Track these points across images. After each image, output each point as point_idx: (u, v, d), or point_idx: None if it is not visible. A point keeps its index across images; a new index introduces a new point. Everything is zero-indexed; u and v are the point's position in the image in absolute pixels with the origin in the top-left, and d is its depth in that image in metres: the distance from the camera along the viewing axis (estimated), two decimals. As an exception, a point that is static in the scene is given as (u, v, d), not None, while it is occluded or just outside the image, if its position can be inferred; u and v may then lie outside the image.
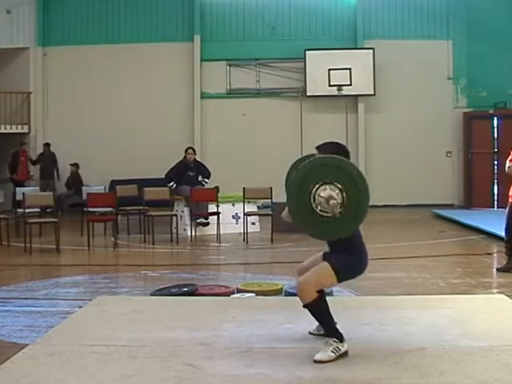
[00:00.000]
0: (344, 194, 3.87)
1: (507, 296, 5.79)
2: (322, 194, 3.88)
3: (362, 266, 4.19)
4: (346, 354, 4.02)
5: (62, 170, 16.56)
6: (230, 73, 17.45)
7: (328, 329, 4.09)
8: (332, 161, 3.97)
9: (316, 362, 3.92)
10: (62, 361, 3.96)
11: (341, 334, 4.06)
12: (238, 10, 17.44)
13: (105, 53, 17.28)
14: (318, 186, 3.89)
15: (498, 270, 7.52)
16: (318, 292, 4.04)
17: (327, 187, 3.88)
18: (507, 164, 7.49)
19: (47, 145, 16.63)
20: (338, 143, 4.33)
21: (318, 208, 3.89)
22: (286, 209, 4.16)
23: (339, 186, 3.88)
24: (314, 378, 3.65)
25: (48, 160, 16.46)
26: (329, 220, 3.89)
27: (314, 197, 3.89)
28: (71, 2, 17.52)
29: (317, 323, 4.38)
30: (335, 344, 4.01)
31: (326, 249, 4.31)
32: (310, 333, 4.48)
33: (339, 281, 4.12)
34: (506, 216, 7.49)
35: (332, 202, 3.84)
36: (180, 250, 10.14)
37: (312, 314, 4.12)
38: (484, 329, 4.58)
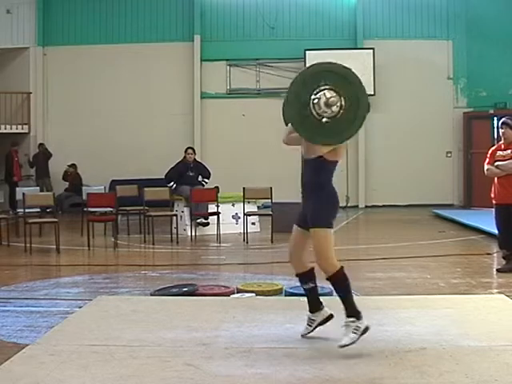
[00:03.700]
0: (343, 100, 3.98)
1: (507, 296, 5.79)
2: (322, 96, 3.96)
3: (337, 203, 4.29)
4: (366, 329, 4.09)
5: (60, 170, 16.55)
6: (230, 73, 17.46)
7: (349, 306, 4.14)
8: (338, 68, 4.06)
9: (341, 347, 4.00)
10: (62, 361, 3.96)
11: (358, 312, 4.11)
12: (238, 10, 17.45)
13: (105, 53, 17.29)
14: (320, 88, 3.98)
15: (498, 270, 7.52)
16: (339, 265, 4.15)
17: (328, 92, 3.98)
18: (486, 167, 7.56)
19: (41, 145, 16.67)
20: None
21: (317, 109, 3.98)
22: (289, 125, 4.27)
23: (340, 91, 3.98)
24: (314, 378, 3.64)
25: (43, 160, 16.51)
26: (326, 124, 3.98)
27: (314, 98, 3.98)
28: (71, 1, 17.53)
29: (305, 325, 4.44)
30: (354, 324, 4.08)
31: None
32: (303, 336, 4.47)
33: (332, 226, 4.22)
34: (494, 219, 7.63)
35: (332, 99, 3.95)
36: (180, 250, 10.14)
37: (335, 288, 4.19)
38: (484, 329, 4.58)
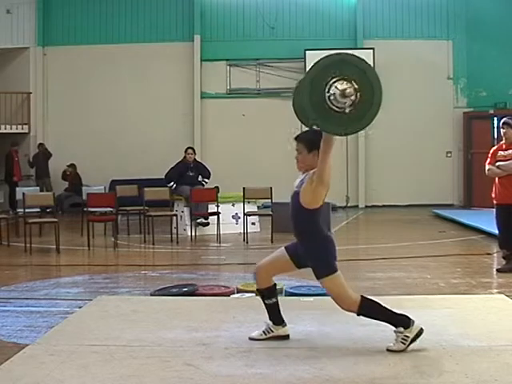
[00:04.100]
0: (358, 93, 3.88)
1: (507, 296, 5.79)
2: (338, 87, 3.86)
3: (332, 246, 4.21)
4: (419, 334, 4.07)
5: (60, 170, 16.55)
6: (230, 73, 17.46)
7: (390, 322, 4.13)
8: (354, 59, 3.96)
9: (388, 349, 4.06)
10: (62, 361, 3.96)
11: (406, 318, 4.11)
12: (238, 10, 17.45)
13: (105, 53, 17.29)
14: (335, 79, 3.88)
15: (498, 270, 7.52)
16: (359, 297, 4.13)
17: (344, 82, 3.87)
18: (487, 167, 7.56)
19: (41, 145, 16.68)
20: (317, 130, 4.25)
21: (331, 99, 3.87)
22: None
23: (355, 84, 3.88)
24: (314, 378, 3.64)
25: (42, 160, 16.52)
26: (337, 115, 3.87)
27: (329, 88, 3.87)
28: (71, 1, 17.53)
29: (261, 330, 4.41)
30: (402, 334, 4.08)
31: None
32: (251, 339, 4.41)
33: (337, 268, 4.15)
34: (495, 219, 7.64)
35: (347, 90, 3.84)
36: (180, 250, 10.14)
37: (370, 318, 4.18)
38: (484, 329, 4.58)
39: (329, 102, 3.88)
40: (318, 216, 4.20)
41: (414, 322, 4.12)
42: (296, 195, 4.20)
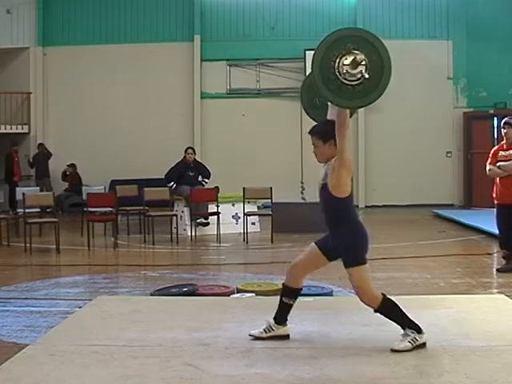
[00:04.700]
0: (368, 62, 3.90)
1: (507, 296, 5.79)
2: (347, 60, 3.87)
3: (365, 237, 4.21)
4: (424, 345, 4.10)
5: (60, 170, 16.55)
6: (230, 73, 17.46)
7: (407, 325, 4.14)
8: (360, 32, 4.03)
9: (393, 350, 4.03)
10: (62, 361, 3.96)
11: (419, 327, 4.12)
12: (238, 10, 17.45)
13: (105, 53, 17.30)
14: (343, 52, 3.89)
15: (498, 270, 7.52)
16: (380, 294, 4.15)
17: (353, 55, 3.88)
18: (487, 167, 7.56)
19: (41, 145, 16.69)
20: (328, 120, 4.31)
21: (343, 75, 3.87)
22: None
23: (364, 55, 3.90)
24: (314, 378, 3.64)
25: (42, 160, 16.53)
26: (353, 88, 3.88)
27: (339, 62, 3.88)
28: (71, 2, 17.55)
29: (261, 328, 4.41)
30: (413, 335, 4.08)
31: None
32: (251, 335, 4.42)
33: (366, 261, 4.17)
34: (495, 219, 7.65)
35: (358, 57, 3.86)
36: (180, 250, 10.14)
37: (387, 317, 4.19)
38: (484, 329, 4.58)
39: (341, 77, 3.87)
40: (350, 205, 4.22)
41: (424, 333, 4.14)
42: (324, 187, 4.19)
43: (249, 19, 17.41)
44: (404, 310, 4.18)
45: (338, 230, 4.19)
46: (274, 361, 3.94)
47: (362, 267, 4.12)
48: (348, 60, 3.86)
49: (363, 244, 4.18)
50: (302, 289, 4.43)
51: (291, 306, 4.40)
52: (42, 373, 3.74)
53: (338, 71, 3.87)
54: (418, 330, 4.11)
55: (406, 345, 4.06)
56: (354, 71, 3.86)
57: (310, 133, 4.30)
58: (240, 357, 4.01)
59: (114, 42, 17.40)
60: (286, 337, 4.38)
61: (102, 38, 17.44)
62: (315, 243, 4.36)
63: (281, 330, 4.39)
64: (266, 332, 4.39)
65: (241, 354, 4.06)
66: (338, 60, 3.88)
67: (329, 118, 4.28)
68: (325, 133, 4.18)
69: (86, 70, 17.32)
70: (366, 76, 3.86)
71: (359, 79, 3.86)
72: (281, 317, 4.41)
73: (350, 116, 4.14)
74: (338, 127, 4.01)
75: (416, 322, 4.16)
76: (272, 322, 4.41)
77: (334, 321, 4.80)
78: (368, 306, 4.19)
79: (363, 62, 3.86)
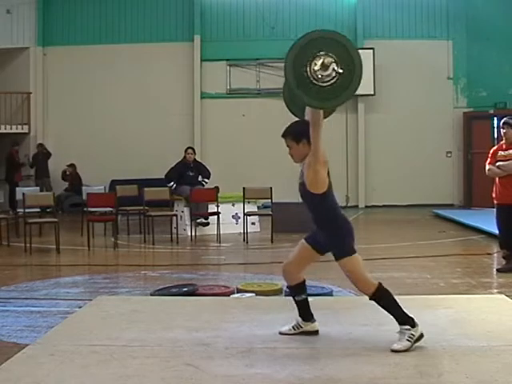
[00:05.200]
0: (337, 61, 3.87)
1: (507, 296, 5.79)
2: (318, 62, 3.87)
3: (350, 229, 4.30)
4: (421, 337, 4.11)
5: (60, 170, 16.56)
6: (230, 73, 17.46)
7: (398, 317, 4.16)
8: (326, 33, 3.98)
9: (393, 351, 4.04)
10: (62, 361, 3.96)
11: (412, 319, 4.14)
12: (238, 10, 17.45)
13: (105, 53, 17.29)
14: (314, 56, 3.88)
15: (498, 270, 7.52)
16: (376, 282, 4.19)
17: (322, 57, 3.88)
18: (487, 167, 7.57)
19: (41, 145, 16.70)
20: (298, 120, 4.39)
21: (319, 80, 3.88)
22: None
23: (334, 56, 3.87)
24: (314, 378, 3.64)
25: (42, 160, 16.54)
26: (325, 88, 3.88)
27: (310, 64, 3.88)
28: (71, 2, 17.55)
29: (290, 325, 4.46)
30: (408, 332, 4.10)
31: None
32: (281, 333, 4.48)
33: (356, 250, 4.24)
34: (495, 219, 7.65)
35: (327, 60, 3.84)
36: (180, 250, 10.14)
37: (380, 305, 4.22)
38: (484, 329, 4.58)
39: (319, 82, 3.88)
40: (330, 199, 4.26)
41: (418, 324, 4.15)
42: (301, 186, 4.25)
43: (249, 19, 17.41)
44: (398, 301, 4.20)
45: (323, 226, 4.28)
46: (274, 361, 3.94)
47: (352, 257, 4.19)
48: (317, 65, 3.88)
49: (348, 235, 4.26)
50: (304, 280, 4.49)
51: (306, 299, 4.48)
52: (42, 373, 3.74)
53: (313, 77, 3.89)
54: (412, 324, 4.12)
55: (405, 344, 4.07)
56: (327, 72, 3.88)
57: (282, 136, 4.34)
58: (240, 357, 4.01)
59: (114, 42, 17.40)
60: (315, 333, 4.43)
61: (102, 37, 17.44)
62: (305, 239, 4.44)
63: (308, 327, 4.45)
64: (294, 329, 4.47)
65: (241, 354, 4.06)
66: (308, 68, 3.90)
67: (306, 117, 4.31)
68: (297, 133, 4.24)
69: (86, 70, 17.31)
70: (340, 71, 3.86)
71: (335, 77, 3.87)
72: (305, 314, 4.48)
73: (326, 117, 4.19)
74: (312, 126, 4.06)
75: (408, 313, 4.17)
76: (300, 319, 4.48)
77: (334, 321, 4.80)
78: (363, 293, 4.24)
79: (332, 61, 3.87)
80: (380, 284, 4.21)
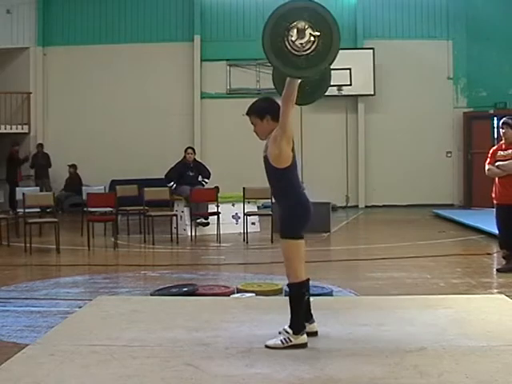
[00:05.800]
0: (316, 31, 3.85)
1: (507, 296, 5.79)
2: (294, 32, 3.87)
3: (305, 213, 4.24)
4: (297, 347, 4.11)
5: (60, 170, 16.57)
6: (230, 73, 17.46)
7: (292, 320, 4.18)
8: (292, 4, 3.98)
9: (266, 346, 4.12)
10: (62, 361, 3.96)
11: (299, 329, 4.16)
12: (238, 10, 17.45)
13: (105, 53, 17.29)
14: (287, 28, 3.89)
15: (498, 270, 7.52)
16: (303, 277, 4.18)
17: (295, 25, 3.87)
18: (486, 167, 7.57)
19: (40, 145, 16.71)
20: (265, 98, 4.49)
21: (295, 47, 3.87)
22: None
23: (311, 23, 3.87)
24: (314, 378, 3.64)
25: (42, 160, 16.54)
26: (302, 57, 3.88)
27: (287, 37, 3.88)
28: (71, 2, 17.54)
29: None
30: (287, 335, 4.14)
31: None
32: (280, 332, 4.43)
33: (301, 236, 4.20)
34: (495, 219, 7.65)
35: (301, 24, 3.83)
36: (180, 250, 10.14)
37: (290, 297, 4.22)
38: (484, 329, 4.58)
39: (293, 50, 3.88)
40: (292, 176, 4.26)
41: (305, 333, 4.17)
42: (265, 159, 4.28)
43: (249, 19, 17.40)
44: (308, 305, 4.27)
45: (279, 201, 4.32)
46: (274, 361, 3.93)
47: (294, 241, 4.18)
48: (294, 35, 3.87)
49: (298, 219, 4.23)
50: (308, 279, 4.42)
51: (308, 299, 4.44)
52: (42, 373, 3.74)
53: (294, 49, 3.88)
54: (297, 332, 4.14)
55: (277, 343, 4.13)
56: (305, 39, 3.86)
57: (246, 114, 4.40)
58: (240, 357, 4.01)
59: (114, 42, 17.40)
60: (314, 334, 4.38)
61: (102, 38, 17.43)
62: None
63: (307, 328, 4.39)
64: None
65: (241, 354, 4.06)
66: (286, 42, 3.89)
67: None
68: (260, 110, 4.32)
69: (86, 70, 17.31)
70: (317, 33, 3.85)
71: (314, 41, 3.86)
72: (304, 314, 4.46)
73: (301, 104, 4.35)
74: (284, 99, 4.08)
75: (303, 323, 4.20)
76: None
77: (334, 321, 4.79)
78: (287, 277, 4.25)
79: (305, 25, 3.85)
80: (304, 282, 4.20)
